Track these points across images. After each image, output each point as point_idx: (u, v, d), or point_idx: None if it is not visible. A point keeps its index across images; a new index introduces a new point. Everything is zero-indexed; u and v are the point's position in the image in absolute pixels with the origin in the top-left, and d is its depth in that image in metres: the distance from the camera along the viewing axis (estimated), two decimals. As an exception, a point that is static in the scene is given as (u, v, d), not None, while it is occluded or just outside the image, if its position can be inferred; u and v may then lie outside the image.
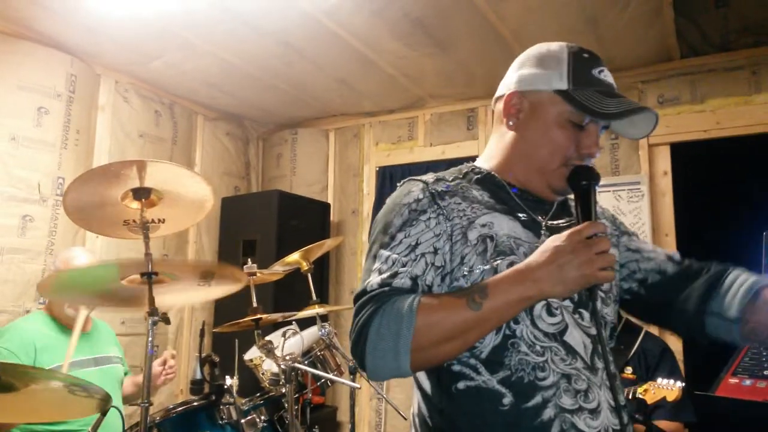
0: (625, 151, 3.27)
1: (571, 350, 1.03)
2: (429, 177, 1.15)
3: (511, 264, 1.02)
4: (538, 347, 1.00)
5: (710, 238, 3.17)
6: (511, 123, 1.14)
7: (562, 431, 0.97)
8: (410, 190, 1.12)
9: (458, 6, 2.61)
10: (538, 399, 0.98)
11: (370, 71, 3.34)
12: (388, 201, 1.14)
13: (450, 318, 0.95)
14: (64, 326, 2.29)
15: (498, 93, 1.19)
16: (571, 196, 1.12)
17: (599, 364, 1.04)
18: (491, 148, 1.21)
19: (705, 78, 3.14)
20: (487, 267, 1.02)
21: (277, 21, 2.78)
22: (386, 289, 0.99)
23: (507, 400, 0.98)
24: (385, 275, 1.01)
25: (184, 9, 2.66)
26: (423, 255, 1.03)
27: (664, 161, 3.22)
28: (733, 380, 1.35)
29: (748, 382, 1.32)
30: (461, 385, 1.02)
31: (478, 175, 1.16)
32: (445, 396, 1.04)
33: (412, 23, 2.78)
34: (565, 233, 0.97)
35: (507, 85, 1.17)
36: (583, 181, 1.06)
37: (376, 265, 1.04)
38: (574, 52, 1.12)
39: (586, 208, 1.03)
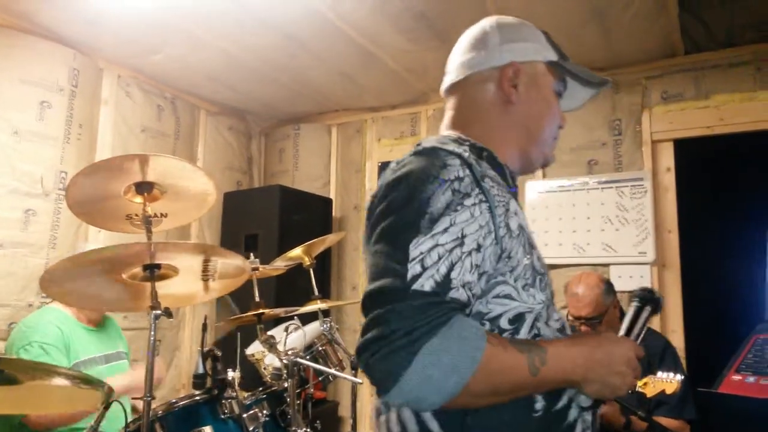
0: (628, 147, 3.26)
1: None
2: (460, 149, 0.96)
3: (539, 258, 1.01)
4: None
5: (713, 234, 3.17)
6: (513, 96, 1.08)
7: (584, 431, 0.96)
8: (446, 162, 0.92)
9: None
10: (564, 400, 0.94)
11: (372, 65, 3.33)
12: (415, 170, 0.93)
13: (509, 375, 0.84)
14: (80, 322, 2.30)
15: (469, 69, 1.11)
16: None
17: None
18: (475, 126, 1.09)
19: (709, 74, 3.13)
20: (528, 262, 0.95)
21: (280, 14, 2.77)
22: (446, 299, 0.82)
23: (539, 405, 0.91)
24: (437, 278, 0.83)
25: (184, 2, 2.66)
26: (470, 253, 0.86)
27: (667, 157, 3.21)
28: (737, 377, 1.35)
29: (751, 379, 1.32)
30: None
31: (484, 152, 1.03)
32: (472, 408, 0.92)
33: (415, 17, 2.77)
34: (631, 343, 0.97)
35: (485, 59, 1.10)
36: (644, 302, 1.11)
37: (416, 253, 0.84)
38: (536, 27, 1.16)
39: (633, 325, 1.09)
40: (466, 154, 0.95)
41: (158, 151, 3.47)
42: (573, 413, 0.94)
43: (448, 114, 1.15)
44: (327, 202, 4.12)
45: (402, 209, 0.89)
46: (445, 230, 0.86)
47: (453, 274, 0.84)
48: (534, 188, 3.44)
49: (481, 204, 0.90)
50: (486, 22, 1.15)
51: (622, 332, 1.07)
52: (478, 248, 0.88)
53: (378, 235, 0.90)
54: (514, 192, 1.06)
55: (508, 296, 0.92)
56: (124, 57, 3.28)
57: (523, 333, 0.92)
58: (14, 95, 2.81)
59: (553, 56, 1.11)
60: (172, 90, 3.71)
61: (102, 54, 3.22)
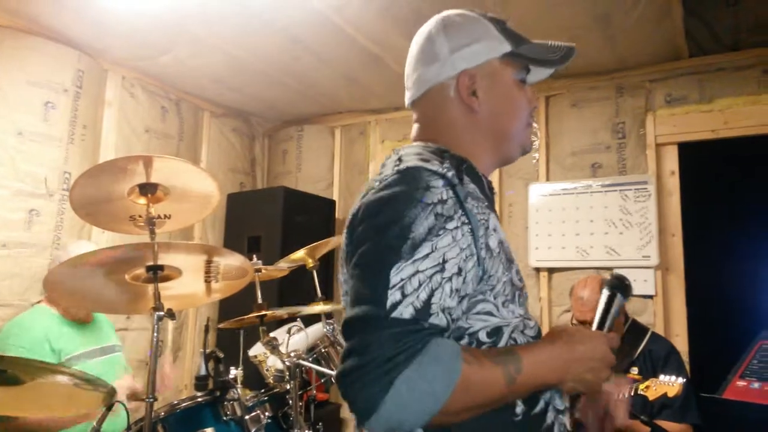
0: (632, 150, 3.25)
1: None
2: (443, 169, 0.94)
3: (517, 272, 1.01)
4: None
5: (717, 238, 3.16)
6: (475, 104, 1.07)
7: None
8: (429, 184, 0.91)
9: (466, 2, 2.59)
10: (541, 404, 0.96)
11: (377, 68, 3.33)
12: (398, 193, 0.91)
13: (485, 390, 0.86)
14: (68, 320, 2.31)
15: (426, 84, 1.09)
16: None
17: None
18: (445, 136, 1.08)
19: (714, 77, 3.12)
20: (507, 278, 0.96)
21: (285, 16, 2.78)
22: (425, 326, 0.83)
23: (519, 409, 0.94)
24: (417, 304, 0.83)
25: (192, 4, 2.66)
26: (450, 278, 0.86)
27: (671, 161, 3.20)
28: (741, 383, 1.34)
29: (756, 385, 1.31)
30: None
31: (464, 164, 1.01)
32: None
33: (420, 20, 2.74)
34: (604, 337, 0.99)
35: (439, 71, 1.08)
36: (614, 291, 1.10)
37: (396, 280, 0.84)
38: (483, 14, 1.11)
39: (612, 315, 1.08)
40: (450, 174, 0.94)
41: (162, 152, 3.48)
42: (550, 416, 0.97)
43: (416, 126, 1.14)
44: (330, 204, 4.12)
45: (384, 233, 0.88)
46: (426, 256, 0.86)
47: (433, 300, 0.84)
48: (537, 191, 3.43)
49: (464, 227, 0.89)
50: (431, 26, 1.12)
51: (596, 321, 1.08)
52: (459, 272, 0.88)
53: (359, 259, 0.89)
54: (492, 197, 1.09)
55: (488, 313, 0.94)
56: (128, 59, 3.29)
57: (501, 344, 0.94)
58: (19, 96, 2.82)
59: (506, 47, 1.08)
60: (176, 91, 3.71)
61: (107, 55, 3.23)
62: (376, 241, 0.88)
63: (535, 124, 3.48)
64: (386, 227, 0.88)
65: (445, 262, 0.86)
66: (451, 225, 0.88)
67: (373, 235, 0.89)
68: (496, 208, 1.21)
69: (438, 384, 0.80)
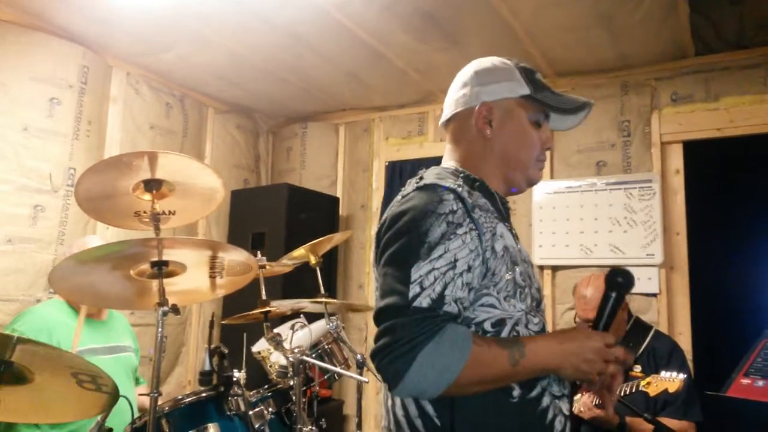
0: (637, 148, 3.25)
1: None
2: (455, 185, 1.13)
3: (521, 273, 1.14)
4: None
5: (722, 237, 3.15)
6: (488, 131, 1.24)
7: (555, 416, 1.12)
8: (442, 198, 1.10)
9: (470, 0, 2.59)
10: (538, 389, 1.10)
11: (380, 65, 3.33)
12: (416, 205, 1.11)
13: (492, 367, 1.03)
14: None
15: (455, 108, 1.29)
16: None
17: None
18: (465, 157, 1.27)
19: (719, 76, 3.11)
20: (510, 277, 1.11)
21: (288, 13, 2.78)
22: (440, 313, 1.02)
23: (516, 392, 1.08)
24: (433, 296, 1.02)
25: (195, 1, 2.66)
26: (461, 274, 1.05)
27: (676, 159, 3.19)
28: (746, 381, 1.34)
29: (760, 383, 1.31)
30: None
31: (476, 182, 1.20)
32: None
33: (424, 17, 2.77)
34: (600, 336, 1.10)
35: (466, 100, 1.27)
36: (612, 291, 1.15)
37: (416, 276, 1.03)
38: (516, 63, 1.29)
39: (608, 314, 1.14)
40: (460, 189, 1.12)
41: (166, 148, 3.49)
42: (546, 400, 1.11)
43: (447, 147, 1.32)
44: (334, 201, 4.12)
45: (405, 238, 1.08)
46: (441, 256, 1.05)
47: (446, 292, 1.03)
48: (542, 188, 3.43)
49: (471, 232, 1.08)
50: (469, 67, 1.32)
51: (595, 318, 1.15)
52: (469, 269, 1.06)
53: (386, 260, 1.10)
54: (507, 211, 1.27)
55: (491, 305, 1.10)
56: (133, 55, 3.29)
57: (504, 334, 1.10)
58: (24, 92, 2.82)
59: (525, 91, 1.25)
60: (180, 88, 3.72)
61: (111, 52, 3.24)
62: (400, 246, 1.08)
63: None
64: (407, 234, 1.08)
65: (456, 261, 1.05)
66: (460, 231, 1.07)
67: (397, 240, 1.09)
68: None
69: (452, 359, 0.99)
